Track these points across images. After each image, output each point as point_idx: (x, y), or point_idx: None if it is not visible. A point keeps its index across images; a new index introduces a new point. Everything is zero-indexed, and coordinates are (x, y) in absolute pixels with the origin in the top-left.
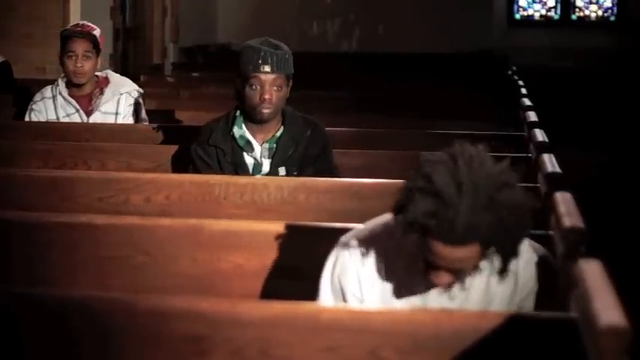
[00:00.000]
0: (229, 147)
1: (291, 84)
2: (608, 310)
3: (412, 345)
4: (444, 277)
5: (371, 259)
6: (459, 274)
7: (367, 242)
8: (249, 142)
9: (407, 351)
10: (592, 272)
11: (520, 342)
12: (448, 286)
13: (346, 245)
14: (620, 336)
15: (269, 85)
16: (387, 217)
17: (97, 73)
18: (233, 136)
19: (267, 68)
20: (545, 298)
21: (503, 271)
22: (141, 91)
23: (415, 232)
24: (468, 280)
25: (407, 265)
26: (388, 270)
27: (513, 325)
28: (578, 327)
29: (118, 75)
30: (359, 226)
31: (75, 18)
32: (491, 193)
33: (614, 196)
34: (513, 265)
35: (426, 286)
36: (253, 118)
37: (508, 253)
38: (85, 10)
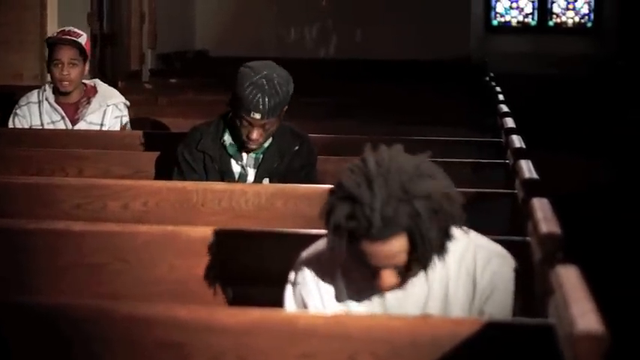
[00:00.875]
0: (218, 154)
1: (284, 112)
2: (585, 315)
3: (389, 351)
4: (388, 279)
5: (330, 270)
6: (401, 273)
7: (325, 253)
8: (239, 151)
9: (384, 357)
10: (569, 278)
11: (497, 348)
12: (395, 287)
13: (305, 258)
14: (597, 342)
15: (257, 127)
16: None
17: (86, 82)
18: (223, 144)
19: (257, 116)
20: (510, 301)
21: (426, 264)
22: (127, 103)
23: (343, 237)
24: (426, 285)
25: (363, 272)
26: (347, 279)
27: (491, 331)
28: (556, 333)
29: (106, 85)
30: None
31: (52, 24)
32: (403, 184)
33: (592, 200)
34: (471, 269)
35: (383, 292)
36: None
37: (436, 243)
38: (62, 17)
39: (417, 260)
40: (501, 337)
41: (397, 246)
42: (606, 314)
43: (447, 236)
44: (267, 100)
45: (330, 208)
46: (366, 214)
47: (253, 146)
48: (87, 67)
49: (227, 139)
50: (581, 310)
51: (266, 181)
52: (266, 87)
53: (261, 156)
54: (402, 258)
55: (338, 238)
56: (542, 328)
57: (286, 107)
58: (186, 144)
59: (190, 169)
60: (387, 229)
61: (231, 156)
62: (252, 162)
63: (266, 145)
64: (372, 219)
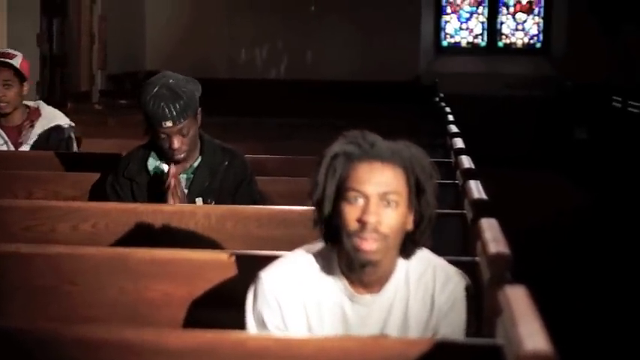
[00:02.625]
0: (144, 179)
1: (199, 116)
2: (532, 335)
3: None
4: (370, 238)
5: (291, 289)
6: (382, 235)
7: (288, 271)
8: (164, 174)
9: None
10: (517, 298)
11: None
12: (374, 254)
13: (265, 277)
14: None
15: (174, 135)
16: (308, 246)
17: (30, 104)
18: (147, 168)
19: (168, 123)
20: (465, 320)
21: (419, 231)
22: (72, 124)
23: (339, 163)
24: (388, 303)
25: (328, 295)
26: (311, 298)
27: (440, 351)
28: (504, 353)
29: (51, 108)
30: (286, 254)
31: (2, 45)
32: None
33: (541, 220)
34: (430, 288)
35: (348, 314)
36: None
37: (431, 211)
38: (11, 37)
39: (413, 222)
40: (451, 357)
41: (395, 176)
42: (554, 334)
43: (433, 199)
44: (171, 105)
45: (328, 149)
46: (369, 140)
47: (180, 156)
48: (26, 88)
49: (151, 163)
50: (528, 330)
51: (199, 200)
52: (166, 94)
53: (192, 176)
54: (397, 191)
55: (332, 169)
56: (490, 348)
57: (199, 109)
58: (115, 173)
59: (117, 199)
60: (389, 153)
61: (157, 180)
62: (183, 183)
63: (195, 164)
64: (376, 144)
